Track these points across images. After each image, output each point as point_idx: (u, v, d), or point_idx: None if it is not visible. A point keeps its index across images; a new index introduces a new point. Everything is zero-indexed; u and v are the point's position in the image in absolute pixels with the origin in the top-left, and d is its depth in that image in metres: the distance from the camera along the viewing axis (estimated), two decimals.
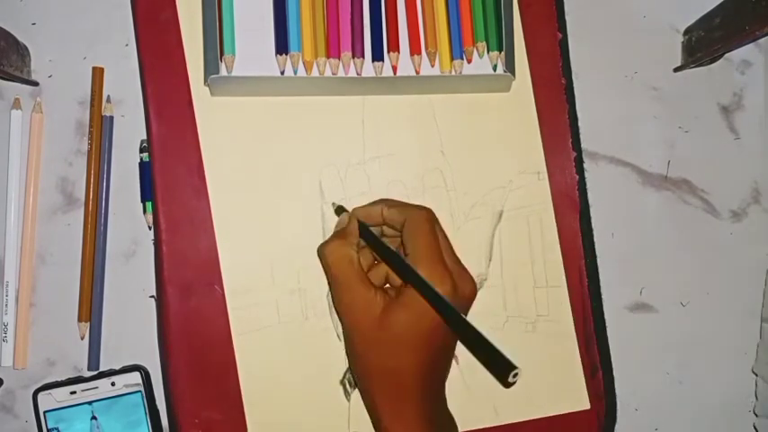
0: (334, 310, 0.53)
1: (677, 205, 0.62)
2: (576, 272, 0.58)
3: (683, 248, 0.62)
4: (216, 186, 0.53)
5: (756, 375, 0.61)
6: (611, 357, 0.58)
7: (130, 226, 0.55)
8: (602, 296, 0.59)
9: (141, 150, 0.54)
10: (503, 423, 0.55)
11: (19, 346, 0.54)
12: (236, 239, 0.53)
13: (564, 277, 0.58)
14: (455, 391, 0.55)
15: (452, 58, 0.54)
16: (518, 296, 0.57)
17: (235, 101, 0.53)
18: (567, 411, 0.57)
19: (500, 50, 0.54)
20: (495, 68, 0.55)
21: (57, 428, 0.52)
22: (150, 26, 0.53)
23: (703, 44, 0.60)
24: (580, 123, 0.59)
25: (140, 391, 0.53)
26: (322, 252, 0.49)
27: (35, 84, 0.55)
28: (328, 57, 0.52)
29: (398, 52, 0.53)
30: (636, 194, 0.62)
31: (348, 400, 0.54)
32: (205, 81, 0.52)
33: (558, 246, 0.58)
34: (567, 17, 0.59)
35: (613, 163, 0.62)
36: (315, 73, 0.52)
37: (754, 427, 0.61)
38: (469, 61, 0.54)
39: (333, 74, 0.53)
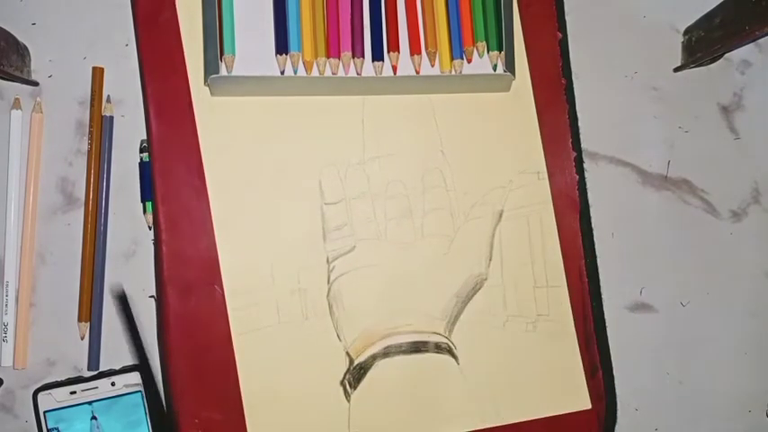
0: (334, 309, 0.53)
1: (677, 205, 0.62)
2: (576, 272, 0.58)
3: (683, 248, 0.62)
4: (216, 186, 0.53)
5: None
6: (611, 357, 0.58)
7: (130, 226, 0.55)
8: (603, 296, 0.59)
9: (141, 150, 0.54)
10: (503, 423, 0.55)
11: (19, 346, 0.54)
12: (236, 239, 0.53)
13: (564, 277, 0.58)
14: (455, 392, 0.55)
15: (452, 58, 0.54)
16: (518, 296, 0.57)
17: (235, 101, 0.53)
18: (567, 411, 0.57)
19: (500, 50, 0.55)
20: (495, 68, 0.55)
21: (57, 428, 0.52)
22: (150, 26, 0.53)
23: (703, 44, 0.60)
24: (580, 123, 0.59)
25: (140, 391, 0.53)
26: None
27: (35, 84, 0.55)
28: (328, 57, 0.52)
29: (398, 52, 0.53)
30: (636, 194, 0.62)
31: (348, 401, 0.54)
32: (205, 81, 0.52)
33: (559, 245, 0.58)
34: (567, 17, 0.59)
35: (613, 163, 0.62)
36: (315, 73, 0.52)
37: None
38: (469, 61, 0.54)
39: (333, 74, 0.53)
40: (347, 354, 0.54)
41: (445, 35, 0.54)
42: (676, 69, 0.63)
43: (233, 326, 0.52)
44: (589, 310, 0.58)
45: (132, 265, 0.55)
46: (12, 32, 0.53)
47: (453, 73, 0.54)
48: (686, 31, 0.62)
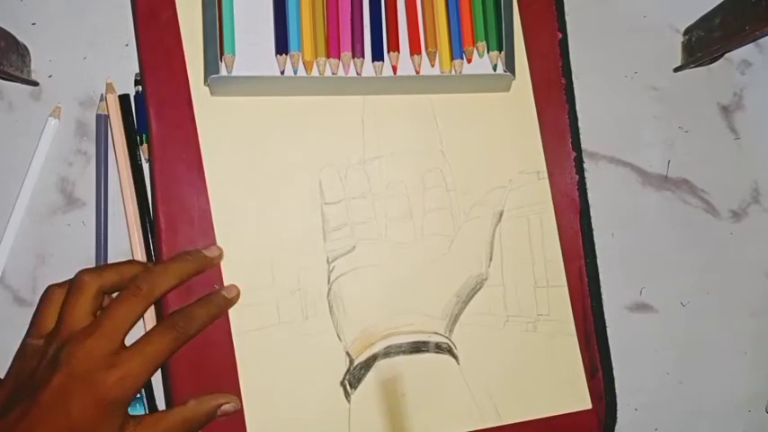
0: (334, 309, 0.53)
1: (677, 205, 0.63)
2: (576, 272, 0.58)
3: (683, 248, 0.62)
4: (216, 186, 0.53)
5: None
6: (611, 357, 0.58)
7: None
8: (603, 296, 0.59)
9: (136, 84, 0.55)
10: (503, 423, 0.55)
11: None
12: (236, 239, 0.53)
13: (564, 277, 0.58)
14: (456, 392, 0.55)
15: (452, 58, 0.54)
16: (518, 296, 0.57)
17: (235, 101, 0.53)
18: (567, 411, 0.57)
19: (500, 50, 0.55)
20: (495, 68, 0.55)
21: None
22: (150, 26, 0.53)
23: (703, 44, 0.60)
24: (580, 123, 0.59)
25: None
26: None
27: (35, 84, 0.55)
28: (328, 57, 0.52)
29: (398, 52, 0.53)
30: (636, 194, 0.62)
31: (348, 402, 0.53)
32: (205, 81, 0.52)
33: (559, 245, 0.58)
34: (566, 17, 0.59)
35: (613, 163, 0.62)
36: (315, 73, 0.52)
37: None
38: (469, 61, 0.54)
39: (333, 74, 0.53)
40: (347, 354, 0.54)
41: (445, 35, 0.54)
42: (676, 69, 0.63)
43: (233, 326, 0.52)
44: (589, 311, 0.58)
45: None
46: (12, 32, 0.53)
47: (453, 73, 0.54)
48: (686, 31, 0.62)
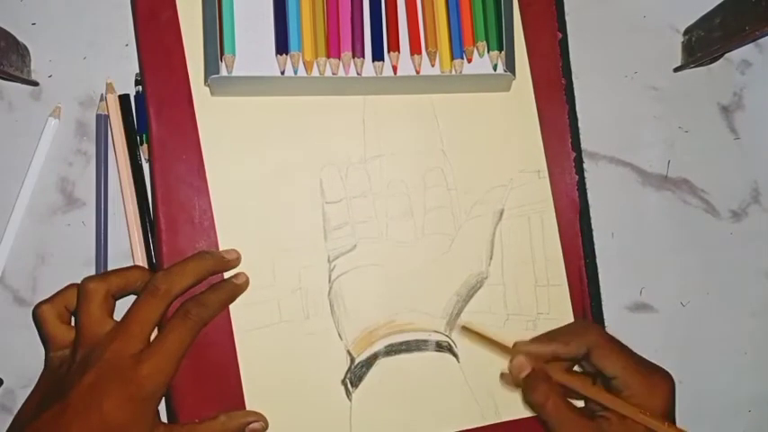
0: (335, 308, 0.53)
1: (677, 205, 0.63)
2: (576, 272, 0.58)
3: (683, 248, 0.62)
4: (216, 186, 0.53)
5: None
6: None
7: None
8: (602, 296, 0.59)
9: (136, 84, 0.55)
10: (503, 420, 0.55)
11: None
12: (236, 239, 0.53)
13: (565, 275, 0.58)
14: (455, 390, 0.55)
15: (453, 58, 0.54)
16: (519, 294, 0.57)
17: (235, 101, 0.53)
18: None
19: (500, 50, 0.55)
20: (495, 68, 0.55)
21: None
22: (150, 26, 0.53)
23: (703, 44, 0.60)
24: (580, 123, 0.59)
25: None
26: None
27: (35, 84, 0.55)
28: (328, 56, 0.52)
29: (399, 52, 0.53)
30: (636, 194, 0.62)
31: (349, 400, 0.53)
32: (205, 81, 0.52)
33: (559, 244, 0.58)
34: (566, 17, 0.59)
35: (613, 163, 0.62)
36: (315, 73, 0.52)
37: None
38: (470, 61, 0.55)
39: (333, 74, 0.53)
40: (348, 352, 0.54)
41: (445, 35, 0.54)
42: (676, 69, 0.63)
43: (234, 325, 0.52)
44: (589, 311, 0.58)
45: None
46: (12, 32, 0.53)
47: (453, 73, 0.54)
48: (686, 31, 0.63)
